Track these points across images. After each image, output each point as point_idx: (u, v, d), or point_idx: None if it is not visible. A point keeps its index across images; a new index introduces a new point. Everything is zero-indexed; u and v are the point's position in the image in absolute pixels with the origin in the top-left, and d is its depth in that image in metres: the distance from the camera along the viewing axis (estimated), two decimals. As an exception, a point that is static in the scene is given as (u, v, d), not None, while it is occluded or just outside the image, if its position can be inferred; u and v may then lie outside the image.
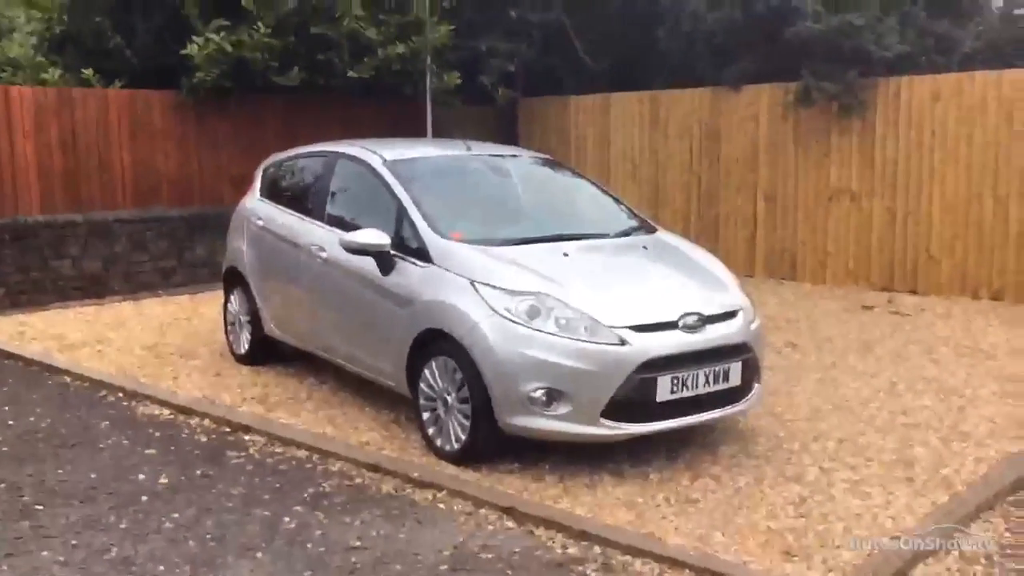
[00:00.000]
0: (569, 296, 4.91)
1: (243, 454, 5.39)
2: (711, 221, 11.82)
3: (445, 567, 4.02)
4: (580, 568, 4.02)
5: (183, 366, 7.17)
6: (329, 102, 11.14)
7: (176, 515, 4.53)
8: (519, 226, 5.80)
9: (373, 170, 6.00)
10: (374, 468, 5.07)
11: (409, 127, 11.62)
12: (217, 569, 4.00)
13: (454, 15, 11.43)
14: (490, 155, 6.56)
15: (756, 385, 5.38)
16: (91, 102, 9.95)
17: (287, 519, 4.49)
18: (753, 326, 5.31)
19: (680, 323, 4.95)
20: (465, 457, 5.06)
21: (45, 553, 4.12)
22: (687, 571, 3.97)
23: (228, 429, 5.78)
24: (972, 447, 5.45)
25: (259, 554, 4.13)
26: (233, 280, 7.29)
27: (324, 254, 6.08)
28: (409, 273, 5.41)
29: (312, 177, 6.70)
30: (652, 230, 6.17)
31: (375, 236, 5.52)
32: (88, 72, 10.06)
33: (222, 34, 9.90)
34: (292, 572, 3.98)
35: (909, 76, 10.12)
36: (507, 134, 13.51)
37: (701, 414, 5.04)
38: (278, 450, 5.45)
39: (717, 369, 5.00)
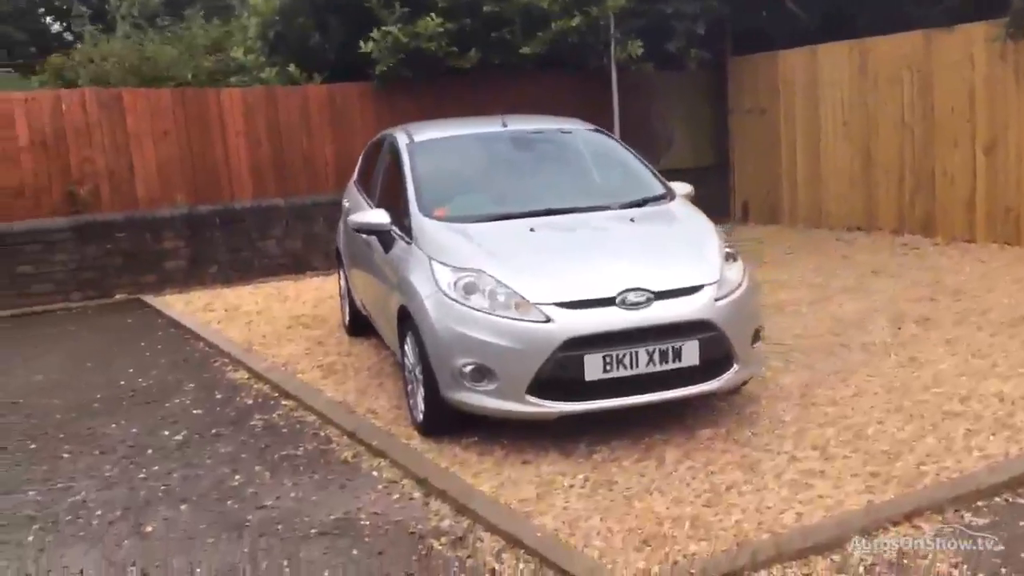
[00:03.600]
0: (504, 273, 4.89)
1: (267, 417, 5.94)
2: (926, 178, 10.61)
3: (315, 531, 4.27)
4: (431, 540, 4.09)
5: (300, 336, 7.91)
6: (513, 77, 11.42)
7: (156, 468, 5.17)
8: (510, 202, 5.75)
9: (398, 151, 6.27)
10: (351, 435, 5.41)
11: (596, 98, 11.62)
12: (142, 515, 4.55)
13: (636, -22, 11.21)
14: (523, 130, 6.51)
15: (735, 365, 4.98)
16: (293, 98, 11.08)
17: (238, 477, 4.96)
18: (723, 303, 4.91)
19: (618, 299, 4.74)
20: (426, 429, 5.23)
21: (31, 493, 4.91)
22: (521, 551, 3.91)
23: (276, 394, 6.39)
24: (999, 442, 4.67)
25: (184, 506, 4.64)
26: (339, 258, 7.91)
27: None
28: (399, 250, 5.64)
29: (373, 159, 7.09)
30: (670, 199, 5.87)
31: (375, 216, 5.81)
32: (292, 69, 11.20)
33: (399, 26, 10.56)
34: (196, 521, 4.45)
35: None
36: (713, 96, 13.04)
37: (644, 395, 4.78)
38: (297, 415, 5.95)
39: (665, 348, 4.72)
